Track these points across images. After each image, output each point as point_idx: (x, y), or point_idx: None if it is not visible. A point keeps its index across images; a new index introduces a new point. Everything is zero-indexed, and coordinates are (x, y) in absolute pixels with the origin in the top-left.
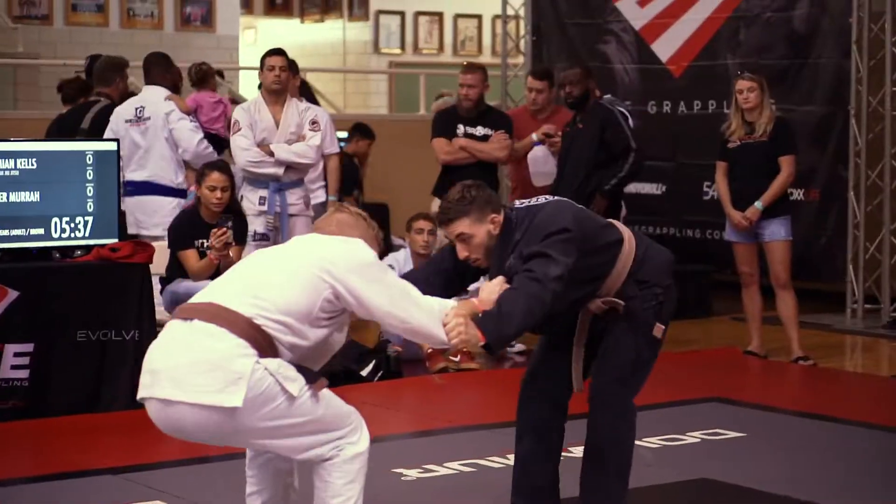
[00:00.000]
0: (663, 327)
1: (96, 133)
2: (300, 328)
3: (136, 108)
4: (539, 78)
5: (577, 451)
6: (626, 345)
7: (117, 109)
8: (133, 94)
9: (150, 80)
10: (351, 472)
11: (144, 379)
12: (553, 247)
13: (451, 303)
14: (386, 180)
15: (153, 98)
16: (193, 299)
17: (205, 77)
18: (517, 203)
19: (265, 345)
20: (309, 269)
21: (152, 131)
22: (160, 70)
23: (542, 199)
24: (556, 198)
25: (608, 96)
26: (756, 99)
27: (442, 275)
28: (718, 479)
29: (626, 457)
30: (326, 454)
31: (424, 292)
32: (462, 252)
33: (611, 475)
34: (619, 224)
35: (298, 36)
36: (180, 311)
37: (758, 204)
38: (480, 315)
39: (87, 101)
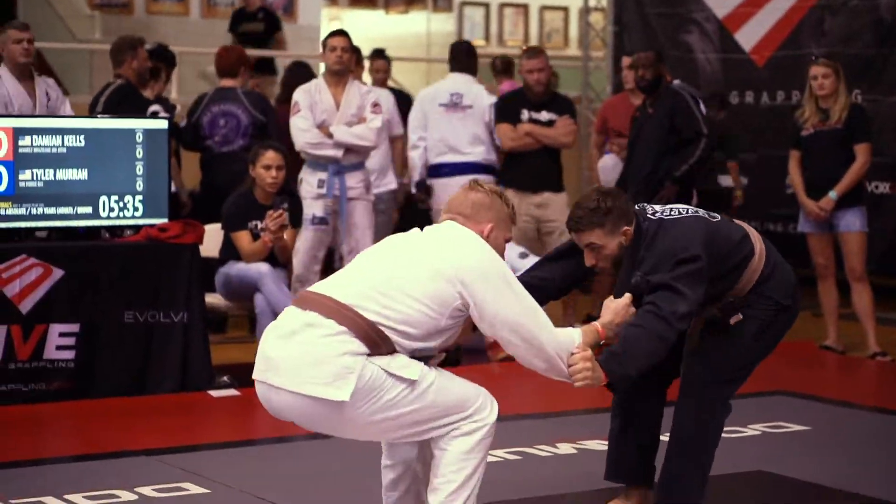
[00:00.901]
0: (740, 317)
1: (109, 114)
2: (425, 336)
3: (452, 95)
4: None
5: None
6: (726, 340)
7: (426, 92)
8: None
9: (456, 68)
10: (469, 442)
11: (259, 363)
12: (681, 280)
13: (577, 333)
14: None
15: (472, 87)
16: (314, 288)
17: (508, 67)
18: (648, 211)
19: (384, 347)
20: (439, 278)
21: (473, 118)
22: (466, 58)
23: (674, 210)
24: (689, 211)
25: (678, 81)
26: (831, 86)
27: (564, 266)
28: (776, 471)
29: (709, 449)
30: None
31: (542, 276)
32: (590, 260)
33: (689, 465)
34: (752, 234)
35: (383, 27)
36: (300, 298)
37: (832, 194)
38: (604, 355)
39: (109, 82)
